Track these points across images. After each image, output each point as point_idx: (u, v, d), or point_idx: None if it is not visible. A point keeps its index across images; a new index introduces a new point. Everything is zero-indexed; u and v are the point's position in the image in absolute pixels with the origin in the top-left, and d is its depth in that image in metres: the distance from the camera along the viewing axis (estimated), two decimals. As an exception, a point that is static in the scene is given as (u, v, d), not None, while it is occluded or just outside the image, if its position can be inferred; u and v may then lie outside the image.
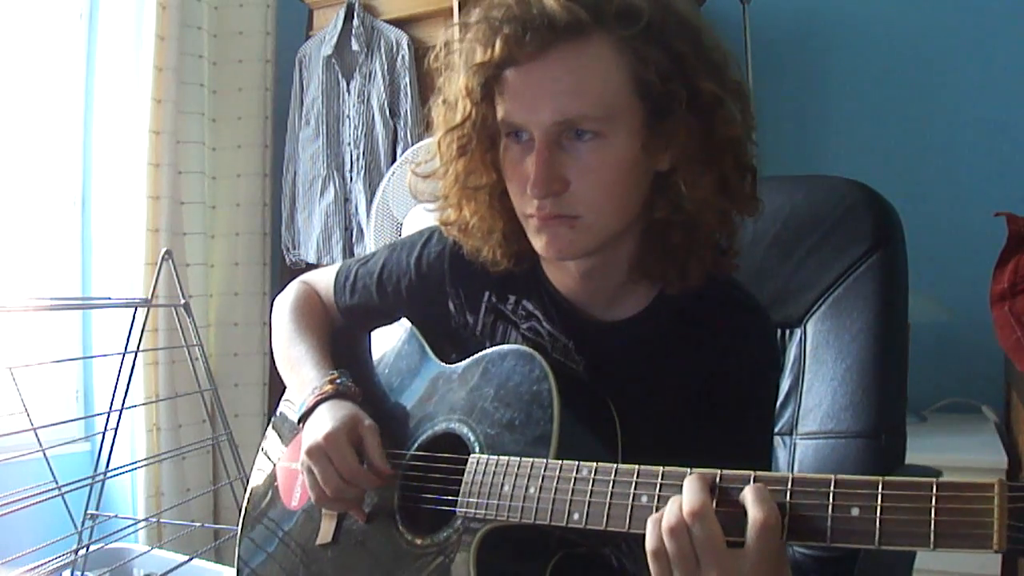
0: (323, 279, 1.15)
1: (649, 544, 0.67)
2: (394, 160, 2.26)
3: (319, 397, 0.96)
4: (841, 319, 1.08)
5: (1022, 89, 2.16)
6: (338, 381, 0.98)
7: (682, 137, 0.81)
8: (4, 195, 2.22)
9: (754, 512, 0.63)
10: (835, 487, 0.62)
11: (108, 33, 2.36)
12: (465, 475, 0.84)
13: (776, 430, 1.12)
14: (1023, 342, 1.49)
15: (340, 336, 1.13)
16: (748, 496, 0.64)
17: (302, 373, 1.03)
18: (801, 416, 1.10)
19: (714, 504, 0.65)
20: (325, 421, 0.93)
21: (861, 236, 1.09)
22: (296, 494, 1.04)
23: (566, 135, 0.80)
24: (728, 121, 0.82)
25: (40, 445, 1.50)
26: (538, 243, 0.86)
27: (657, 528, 0.66)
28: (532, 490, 0.78)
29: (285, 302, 1.14)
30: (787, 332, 1.14)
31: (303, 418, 0.97)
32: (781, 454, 1.12)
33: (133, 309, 1.79)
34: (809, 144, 2.40)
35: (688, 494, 0.65)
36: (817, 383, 1.09)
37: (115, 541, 1.84)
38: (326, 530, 0.98)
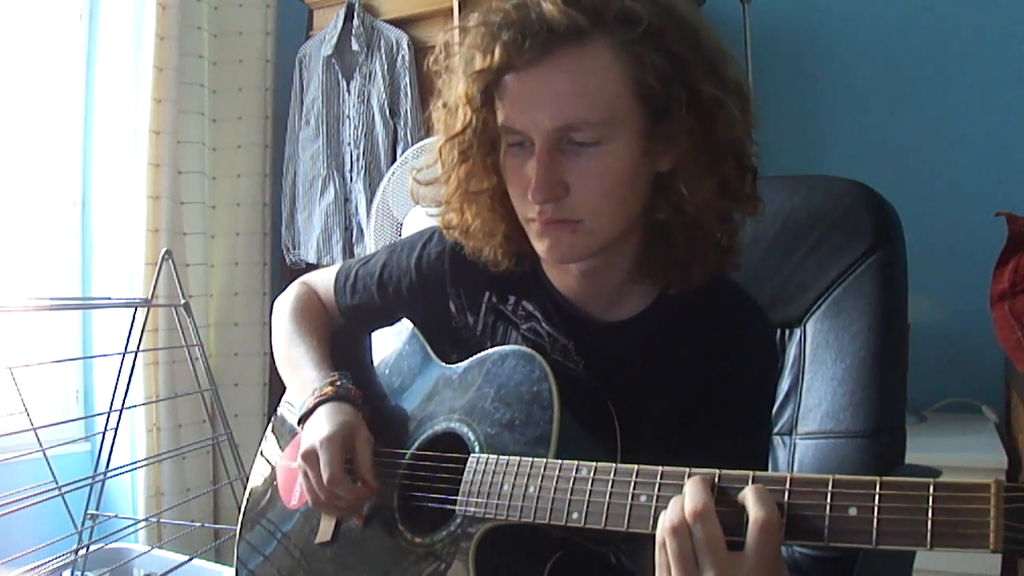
0: (323, 280, 1.15)
1: (657, 538, 0.67)
2: (394, 160, 2.26)
3: (319, 399, 0.96)
4: (841, 319, 1.08)
5: (1023, 89, 2.16)
6: (338, 383, 0.98)
7: (683, 139, 0.80)
8: (4, 195, 2.22)
9: (755, 512, 0.63)
10: (833, 487, 0.62)
11: (108, 33, 2.36)
12: (465, 474, 0.84)
13: (776, 430, 1.12)
14: (1023, 342, 1.49)
15: (340, 337, 1.12)
16: (748, 496, 0.64)
17: (303, 374, 1.03)
18: (801, 416, 1.10)
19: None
20: (323, 425, 0.93)
21: (861, 236, 1.09)
22: (296, 493, 1.04)
23: (566, 140, 0.80)
24: (729, 123, 0.81)
25: (40, 445, 1.50)
26: (540, 247, 0.85)
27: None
28: (532, 489, 0.78)
29: (285, 303, 1.14)
30: (787, 332, 1.14)
31: (303, 419, 0.97)
32: (781, 454, 1.11)
33: (133, 309, 1.79)
34: (809, 144, 2.40)
35: (690, 494, 0.65)
36: (817, 383, 1.09)
37: (115, 541, 1.84)
38: (325, 529, 0.98)
